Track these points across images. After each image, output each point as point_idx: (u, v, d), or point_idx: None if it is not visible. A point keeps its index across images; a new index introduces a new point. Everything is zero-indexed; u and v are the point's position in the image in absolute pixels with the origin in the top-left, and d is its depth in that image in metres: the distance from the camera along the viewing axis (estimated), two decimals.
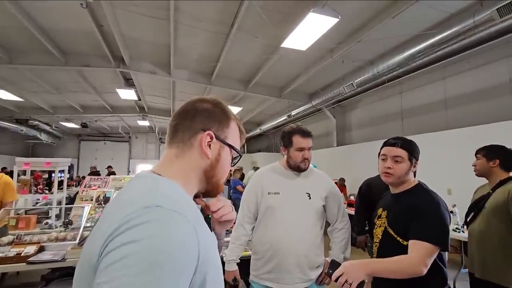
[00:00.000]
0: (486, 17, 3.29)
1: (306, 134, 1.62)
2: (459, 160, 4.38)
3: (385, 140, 1.41)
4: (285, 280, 1.54)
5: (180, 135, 0.67)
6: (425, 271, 1.06)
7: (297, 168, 1.64)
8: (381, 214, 1.37)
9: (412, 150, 1.29)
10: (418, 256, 1.08)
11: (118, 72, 6.65)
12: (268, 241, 1.58)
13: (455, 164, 4.45)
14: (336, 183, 6.90)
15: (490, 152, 1.92)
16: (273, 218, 1.59)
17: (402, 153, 1.27)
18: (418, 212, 1.17)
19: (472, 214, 1.96)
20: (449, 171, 4.49)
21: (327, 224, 1.75)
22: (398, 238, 1.20)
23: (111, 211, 0.53)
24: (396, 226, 1.22)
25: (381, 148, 1.38)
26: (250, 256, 1.70)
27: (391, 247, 1.22)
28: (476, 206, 1.94)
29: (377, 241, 1.34)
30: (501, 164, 1.87)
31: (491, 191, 1.88)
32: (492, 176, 1.90)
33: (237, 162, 0.74)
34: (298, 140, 1.61)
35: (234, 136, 0.72)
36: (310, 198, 1.62)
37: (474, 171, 2.01)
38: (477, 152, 2.02)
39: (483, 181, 2.05)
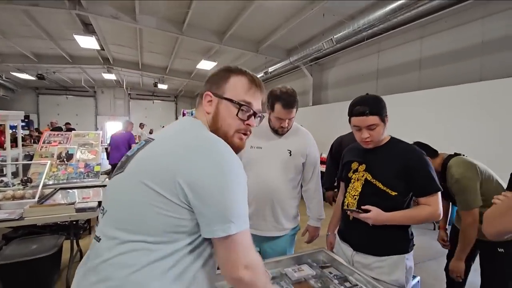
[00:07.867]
0: None
1: (289, 105, 1.54)
2: (428, 120, 4.56)
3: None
4: (260, 227, 1.62)
5: (199, 98, 0.87)
6: (442, 215, 1.25)
7: (275, 131, 1.66)
8: (357, 168, 1.40)
9: (381, 111, 1.26)
10: (436, 207, 1.24)
11: (74, 15, 5.86)
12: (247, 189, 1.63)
13: (424, 124, 4.64)
14: None
15: None
16: (254, 169, 1.60)
17: (375, 119, 1.25)
18: (415, 169, 1.25)
19: None
20: (418, 130, 4.69)
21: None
22: (388, 190, 1.27)
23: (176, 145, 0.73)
24: (384, 178, 1.28)
25: (350, 117, 1.33)
26: None
27: (376, 198, 1.28)
28: None
29: (355, 194, 1.36)
30: None
31: None
32: None
33: (247, 113, 0.83)
34: (278, 110, 1.56)
35: (235, 89, 0.81)
36: (291, 154, 1.65)
37: None
38: None
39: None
